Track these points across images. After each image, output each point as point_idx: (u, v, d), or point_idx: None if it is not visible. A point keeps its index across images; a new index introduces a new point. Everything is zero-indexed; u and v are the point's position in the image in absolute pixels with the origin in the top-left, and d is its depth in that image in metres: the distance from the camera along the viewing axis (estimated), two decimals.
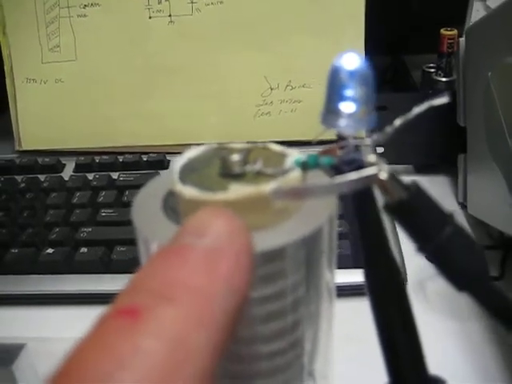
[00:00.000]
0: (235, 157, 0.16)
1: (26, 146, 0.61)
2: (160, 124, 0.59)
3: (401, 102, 0.57)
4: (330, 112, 0.16)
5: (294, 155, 0.17)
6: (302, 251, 0.16)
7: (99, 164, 0.58)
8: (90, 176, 0.56)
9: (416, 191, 0.15)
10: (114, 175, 0.56)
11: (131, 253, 0.47)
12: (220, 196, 0.15)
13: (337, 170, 0.16)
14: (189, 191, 0.16)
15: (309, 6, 0.56)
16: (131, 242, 0.48)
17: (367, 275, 0.18)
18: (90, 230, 0.49)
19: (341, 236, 0.45)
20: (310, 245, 0.16)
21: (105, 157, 0.58)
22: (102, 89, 0.59)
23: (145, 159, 0.58)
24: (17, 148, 0.62)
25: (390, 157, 0.21)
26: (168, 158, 0.58)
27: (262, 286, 0.16)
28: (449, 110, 0.54)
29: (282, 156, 0.17)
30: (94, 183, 0.55)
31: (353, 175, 0.15)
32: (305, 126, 0.57)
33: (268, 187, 0.15)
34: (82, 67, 0.59)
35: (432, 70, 0.61)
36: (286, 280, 0.16)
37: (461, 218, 0.54)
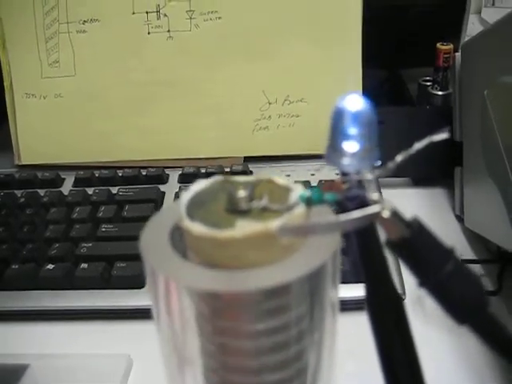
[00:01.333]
0: (241, 193, 0.17)
1: (25, 161, 0.62)
2: (159, 139, 0.59)
3: (397, 115, 0.58)
4: (334, 151, 0.16)
5: (299, 190, 0.17)
6: (306, 286, 0.17)
7: (99, 178, 0.58)
8: (90, 190, 0.56)
9: (418, 229, 0.15)
10: (114, 190, 0.56)
11: (131, 269, 0.47)
12: (227, 233, 0.16)
13: (340, 205, 0.16)
14: (196, 228, 0.16)
15: (307, 21, 0.57)
16: (131, 258, 0.48)
17: (369, 303, 0.18)
18: (90, 245, 0.50)
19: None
20: (314, 279, 0.17)
21: (104, 171, 0.58)
22: (100, 104, 0.60)
23: (144, 173, 0.58)
24: (16, 162, 0.62)
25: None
26: (167, 172, 0.58)
27: (268, 319, 0.16)
28: (446, 124, 0.54)
29: (287, 190, 0.18)
30: (94, 198, 0.55)
31: (356, 213, 0.15)
32: (303, 140, 0.57)
33: (274, 225, 0.16)
34: (81, 82, 0.59)
35: (428, 84, 0.62)
36: (291, 313, 0.17)
37: (457, 232, 0.55)
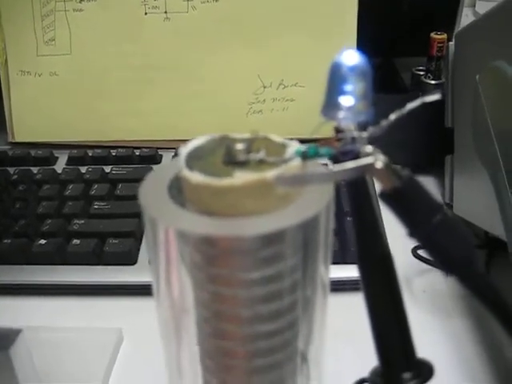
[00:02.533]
0: (239, 145, 0.17)
1: (18, 138, 0.62)
2: (153, 120, 0.60)
3: (390, 103, 0.58)
4: (330, 105, 0.16)
5: (295, 146, 0.18)
6: (300, 235, 0.17)
7: (92, 158, 0.58)
8: (83, 169, 0.56)
9: (409, 180, 0.16)
10: (107, 169, 0.56)
11: (123, 245, 0.47)
12: (225, 181, 0.16)
13: (335, 160, 0.17)
14: (195, 177, 0.17)
15: (303, 8, 0.57)
16: (124, 235, 0.48)
17: (359, 258, 0.19)
18: (82, 222, 0.50)
19: None
20: (308, 230, 0.17)
21: (98, 150, 0.59)
22: (95, 83, 0.60)
23: (137, 154, 0.58)
24: (10, 139, 0.62)
25: None
26: (160, 152, 0.59)
27: (262, 268, 0.17)
28: (437, 111, 0.55)
29: (283, 146, 0.18)
30: (87, 176, 0.55)
31: (350, 164, 0.16)
32: (297, 124, 0.58)
33: (271, 174, 0.16)
34: (76, 61, 0.59)
35: (421, 73, 0.63)
36: (285, 262, 0.17)
37: None
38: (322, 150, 0.17)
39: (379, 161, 0.16)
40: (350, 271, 0.45)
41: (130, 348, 0.42)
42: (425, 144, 0.59)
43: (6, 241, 0.49)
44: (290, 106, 0.59)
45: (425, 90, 0.61)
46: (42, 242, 0.48)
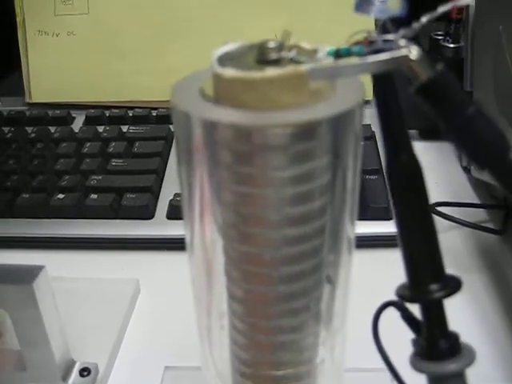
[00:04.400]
0: (272, 44, 0.17)
1: (36, 99, 0.62)
2: (171, 79, 0.59)
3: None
4: (364, 0, 0.16)
5: (326, 47, 0.18)
6: (331, 135, 0.17)
7: (109, 117, 0.59)
8: (100, 128, 0.57)
9: (443, 71, 0.15)
10: (124, 128, 0.56)
11: (141, 200, 0.47)
12: (259, 74, 0.16)
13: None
14: (228, 71, 0.16)
15: None
16: (141, 190, 0.48)
17: (387, 166, 0.19)
18: (100, 177, 0.50)
19: None
20: (339, 130, 0.17)
21: (115, 110, 0.59)
22: (113, 43, 0.60)
23: (154, 114, 0.58)
24: (27, 100, 0.62)
25: None
26: None
27: (293, 166, 0.17)
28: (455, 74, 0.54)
29: (314, 51, 0.18)
30: (105, 135, 0.55)
31: (385, 55, 0.16)
32: None
33: (305, 67, 0.16)
34: (94, 20, 0.59)
35: (440, 37, 0.62)
36: (316, 162, 0.17)
37: (464, 182, 0.55)
38: (354, 49, 0.17)
39: (414, 52, 0.16)
40: (369, 227, 0.45)
41: (147, 298, 0.43)
42: None
43: (24, 195, 0.49)
44: None
45: (443, 53, 0.61)
46: (61, 196, 0.49)
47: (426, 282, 0.19)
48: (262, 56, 0.17)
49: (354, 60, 0.16)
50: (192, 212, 0.20)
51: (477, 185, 0.54)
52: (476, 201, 0.52)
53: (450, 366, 0.19)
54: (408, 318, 0.21)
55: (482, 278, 0.43)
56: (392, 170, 0.19)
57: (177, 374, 0.36)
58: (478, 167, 0.16)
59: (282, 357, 0.21)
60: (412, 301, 0.19)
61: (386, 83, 0.17)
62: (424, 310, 0.20)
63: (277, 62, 0.17)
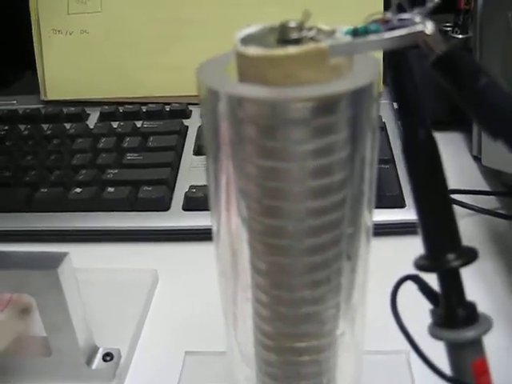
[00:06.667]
0: (292, 23, 0.18)
1: (51, 96, 0.63)
2: (183, 75, 0.60)
3: (415, 57, 0.59)
4: None
5: (344, 28, 0.18)
6: (350, 109, 0.18)
7: (123, 113, 0.60)
8: (115, 124, 0.58)
9: (456, 44, 0.16)
10: (138, 124, 0.57)
11: (157, 192, 0.48)
12: (282, 51, 0.17)
13: None
14: (251, 49, 0.17)
15: None
16: (157, 183, 0.49)
17: (404, 141, 0.19)
18: (116, 171, 0.51)
19: None
20: (357, 103, 0.18)
21: (129, 106, 0.60)
22: (126, 40, 0.61)
23: (167, 109, 0.59)
24: (42, 98, 0.63)
25: None
26: (190, 108, 0.60)
27: (315, 140, 0.18)
28: None
29: (333, 31, 0.19)
30: (119, 130, 0.56)
31: (401, 31, 0.16)
32: None
33: (325, 43, 0.17)
34: (107, 19, 0.60)
35: (448, 29, 0.62)
36: (335, 135, 0.18)
37: (475, 170, 0.56)
38: (371, 27, 0.18)
39: (429, 27, 0.16)
40: (383, 215, 0.46)
41: (165, 287, 0.44)
42: (449, 99, 0.59)
43: (42, 190, 0.50)
44: None
45: None
46: (78, 190, 0.50)
47: (443, 252, 0.20)
48: (282, 36, 0.18)
49: (372, 37, 0.17)
50: (218, 198, 0.21)
51: (487, 173, 0.54)
52: (487, 189, 0.53)
53: (468, 333, 0.20)
54: (426, 290, 0.22)
55: (495, 264, 0.43)
56: (409, 147, 0.19)
57: (197, 358, 0.37)
58: (492, 137, 0.16)
59: (304, 329, 0.22)
60: (430, 270, 0.20)
61: (401, 62, 0.18)
62: (442, 280, 0.20)
63: (297, 42, 0.18)
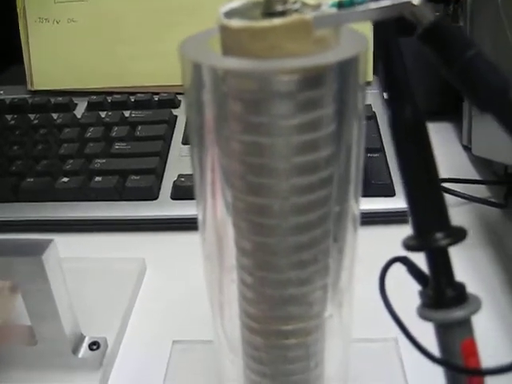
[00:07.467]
0: None
1: (37, 86, 0.62)
2: (171, 65, 0.60)
3: (406, 46, 0.58)
4: None
5: (329, 1, 0.18)
6: (336, 82, 0.17)
7: (111, 103, 0.59)
8: (103, 114, 0.57)
9: (444, 16, 0.16)
10: (126, 113, 0.57)
11: (145, 181, 0.48)
12: (265, 23, 0.16)
13: None
14: (236, 22, 0.17)
15: None
16: (145, 172, 0.49)
17: (391, 122, 0.19)
18: (103, 161, 0.51)
19: None
20: (343, 77, 0.18)
21: (117, 96, 0.59)
22: (114, 29, 0.60)
23: (156, 99, 0.59)
24: (29, 88, 0.62)
25: None
26: (179, 98, 0.59)
27: (300, 114, 0.17)
28: None
29: (318, 5, 0.18)
30: (107, 120, 0.56)
31: (388, 1, 0.16)
32: None
33: (310, 15, 0.17)
34: (94, 7, 0.59)
35: None
36: (322, 110, 0.18)
37: (465, 160, 0.56)
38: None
39: None
40: (373, 204, 0.45)
41: (153, 276, 0.43)
42: (439, 90, 0.59)
43: (29, 179, 0.49)
44: None
45: None
46: (65, 179, 0.49)
47: (432, 231, 0.20)
48: (267, 9, 0.18)
49: (357, 7, 0.16)
50: (204, 181, 0.21)
51: (477, 162, 0.54)
52: (477, 178, 0.53)
53: (457, 313, 0.20)
54: (415, 271, 0.22)
55: (486, 252, 0.43)
56: (396, 122, 0.19)
57: (184, 347, 0.36)
58: (480, 109, 0.16)
59: (290, 311, 0.22)
60: (418, 249, 0.20)
61: (389, 34, 0.18)
62: (430, 259, 0.20)
63: (282, 14, 0.17)
